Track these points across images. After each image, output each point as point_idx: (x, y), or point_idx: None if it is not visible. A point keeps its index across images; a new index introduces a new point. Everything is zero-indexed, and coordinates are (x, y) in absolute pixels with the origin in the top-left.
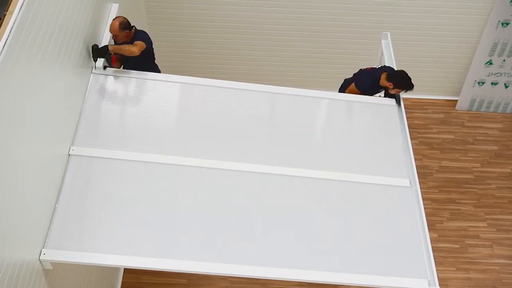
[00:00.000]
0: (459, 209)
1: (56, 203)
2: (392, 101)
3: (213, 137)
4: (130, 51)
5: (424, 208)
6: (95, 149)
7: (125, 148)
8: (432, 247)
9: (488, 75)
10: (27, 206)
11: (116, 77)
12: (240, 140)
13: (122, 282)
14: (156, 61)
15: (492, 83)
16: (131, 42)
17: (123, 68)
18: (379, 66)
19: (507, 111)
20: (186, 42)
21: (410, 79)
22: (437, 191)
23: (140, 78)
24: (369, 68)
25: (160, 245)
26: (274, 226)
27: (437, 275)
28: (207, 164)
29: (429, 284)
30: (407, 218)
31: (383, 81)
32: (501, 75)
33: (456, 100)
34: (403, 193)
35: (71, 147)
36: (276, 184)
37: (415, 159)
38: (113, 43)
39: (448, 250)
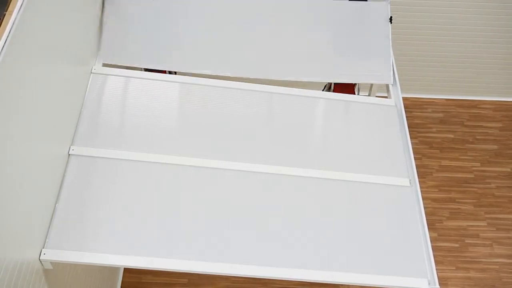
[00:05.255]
0: (459, 208)
1: (56, 203)
2: (392, 101)
3: (214, 137)
4: None
5: (424, 208)
6: (95, 149)
7: (125, 148)
8: (432, 246)
9: None
10: (27, 206)
11: (116, 76)
12: (241, 140)
13: (122, 282)
14: None
15: None
16: None
17: None
18: None
19: None
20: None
21: None
22: (437, 190)
23: (140, 78)
24: None
25: (160, 244)
26: (274, 226)
27: (437, 274)
28: (208, 164)
29: (429, 284)
30: (406, 218)
31: None
32: None
33: (457, 99)
34: (402, 193)
35: (71, 146)
36: (276, 183)
37: (415, 159)
38: None
39: (448, 249)
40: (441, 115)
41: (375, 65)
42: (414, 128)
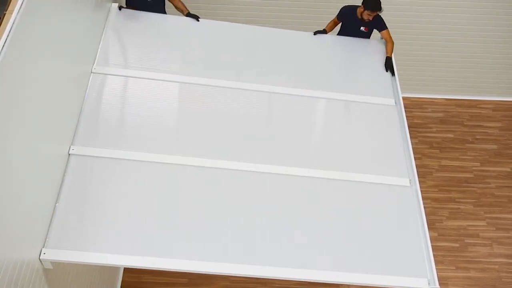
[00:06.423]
0: (458, 208)
1: (56, 202)
2: (392, 101)
3: (214, 137)
4: None
5: (424, 207)
6: (95, 148)
7: (125, 148)
8: (432, 246)
9: None
10: (27, 205)
11: (116, 76)
12: (240, 139)
13: (122, 281)
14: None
15: None
16: None
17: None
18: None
19: None
20: None
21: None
22: (437, 190)
23: (140, 78)
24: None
25: (160, 244)
26: (274, 225)
27: (437, 274)
28: (208, 163)
29: (429, 283)
30: (406, 217)
31: (359, 10)
32: None
33: (456, 99)
34: (402, 192)
35: (71, 146)
36: (276, 183)
37: (415, 158)
38: None
39: (448, 249)
40: (441, 114)
41: (378, 89)
42: (414, 127)
